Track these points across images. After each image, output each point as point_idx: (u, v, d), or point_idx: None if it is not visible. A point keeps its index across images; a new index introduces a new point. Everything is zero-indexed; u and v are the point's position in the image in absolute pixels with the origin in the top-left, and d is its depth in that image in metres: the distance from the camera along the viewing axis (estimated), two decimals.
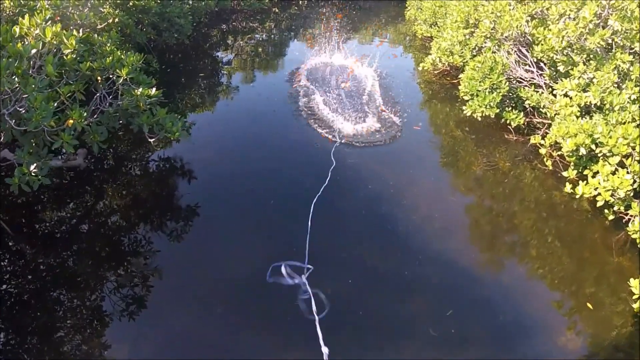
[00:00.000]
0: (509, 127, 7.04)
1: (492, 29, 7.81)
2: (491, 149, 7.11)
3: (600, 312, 4.61)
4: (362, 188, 6.08)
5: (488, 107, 6.83)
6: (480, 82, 6.97)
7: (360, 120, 7.84)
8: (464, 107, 7.18)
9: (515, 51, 7.87)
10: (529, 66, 7.52)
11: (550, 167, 6.10)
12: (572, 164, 5.94)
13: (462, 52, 8.59)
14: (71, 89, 4.51)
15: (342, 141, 7.13)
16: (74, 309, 4.34)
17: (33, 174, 4.11)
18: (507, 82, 6.96)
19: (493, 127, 7.36)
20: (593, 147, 5.59)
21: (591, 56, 6.52)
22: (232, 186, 6.12)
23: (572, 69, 6.55)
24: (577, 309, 4.67)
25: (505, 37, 7.72)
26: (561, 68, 6.82)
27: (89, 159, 6.19)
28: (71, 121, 4.25)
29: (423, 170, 6.69)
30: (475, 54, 8.53)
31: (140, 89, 4.81)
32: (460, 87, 7.43)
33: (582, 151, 5.57)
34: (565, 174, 5.75)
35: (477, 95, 7.01)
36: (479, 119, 6.99)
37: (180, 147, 6.70)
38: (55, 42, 4.38)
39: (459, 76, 8.64)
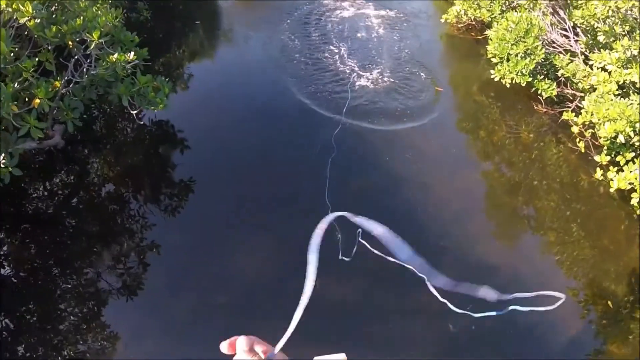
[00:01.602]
0: (539, 97, 6.54)
1: None
2: (517, 119, 6.63)
3: (618, 311, 4.45)
4: (376, 156, 5.68)
5: (519, 74, 6.28)
6: (513, 45, 6.37)
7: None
8: (491, 71, 6.61)
9: (550, 12, 7.21)
10: (566, 31, 6.91)
11: (583, 150, 5.70)
12: (605, 147, 5.55)
13: (490, 6, 7.87)
14: (34, 63, 3.85)
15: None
16: (69, 291, 4.04)
17: (2, 165, 3.60)
18: (542, 48, 6.37)
19: (521, 95, 6.81)
20: (631, 134, 5.20)
21: (636, 28, 5.96)
22: (235, 151, 5.68)
23: (614, 42, 5.99)
24: (592, 301, 4.51)
25: None
26: (601, 38, 6.24)
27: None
28: (37, 101, 3.66)
29: (446, 149, 6.24)
30: (504, 9, 7.82)
31: (116, 55, 4.07)
32: (488, 47, 6.81)
33: (621, 139, 5.16)
34: (597, 158, 5.39)
35: (508, 60, 6.43)
36: (507, 85, 6.46)
37: (179, 101, 6.15)
38: (10, 10, 3.67)
39: (485, 32, 7.99)
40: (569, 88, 6.62)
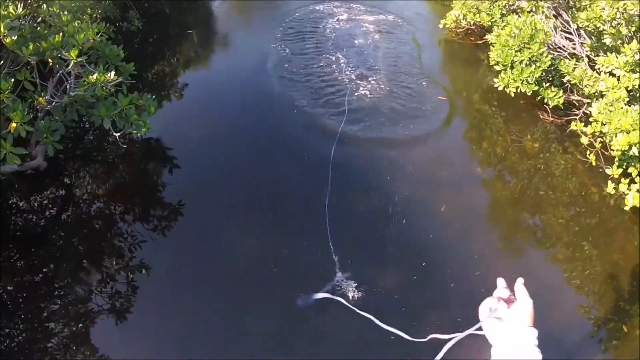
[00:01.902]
0: (545, 105, 6.27)
1: None
2: (522, 129, 6.35)
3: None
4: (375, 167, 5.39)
5: (525, 82, 6.02)
6: (517, 51, 6.10)
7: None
8: (495, 80, 6.34)
9: (553, 14, 6.95)
10: (570, 34, 6.66)
11: (594, 163, 5.42)
12: (616, 158, 5.28)
13: (490, 10, 7.61)
14: (10, 85, 3.55)
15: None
16: (56, 312, 3.82)
17: None
18: (549, 54, 6.10)
19: (525, 103, 6.56)
20: None
21: None
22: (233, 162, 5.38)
23: (622, 45, 5.73)
24: (604, 321, 4.26)
25: None
26: (608, 41, 5.99)
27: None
28: (13, 125, 3.39)
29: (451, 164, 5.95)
30: (504, 12, 7.57)
31: (96, 75, 3.75)
32: (490, 54, 6.54)
33: (634, 151, 4.90)
34: (608, 171, 5.11)
35: (512, 67, 6.17)
36: (512, 94, 6.20)
37: (169, 114, 5.85)
38: None
39: (485, 37, 7.74)
40: (575, 94, 6.36)
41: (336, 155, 5.42)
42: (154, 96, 4.48)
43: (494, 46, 6.45)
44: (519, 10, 7.41)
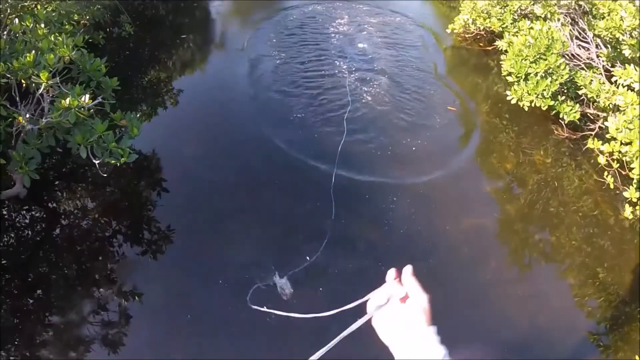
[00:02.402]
0: (560, 120, 5.92)
1: None
2: (534, 145, 6.00)
3: None
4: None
5: (540, 96, 5.66)
6: (532, 62, 5.74)
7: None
8: (507, 92, 5.98)
9: (569, 22, 6.58)
10: (586, 42, 6.29)
11: (612, 186, 5.08)
12: (635, 180, 4.96)
13: (501, 15, 7.23)
14: None
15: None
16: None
17: None
18: (566, 67, 5.73)
19: (537, 115, 6.20)
20: None
21: None
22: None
23: None
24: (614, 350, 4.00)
25: (561, 3, 6.40)
26: (627, 52, 5.65)
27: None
28: None
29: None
30: (516, 17, 7.19)
31: (68, 100, 3.29)
32: (502, 64, 6.18)
33: None
34: (626, 194, 4.80)
35: (526, 79, 5.81)
36: (525, 108, 5.84)
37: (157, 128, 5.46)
38: None
39: (495, 43, 7.37)
40: (590, 107, 6.00)
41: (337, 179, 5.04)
42: (138, 114, 4.08)
43: (505, 54, 6.08)
44: (530, 15, 7.04)
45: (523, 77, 5.81)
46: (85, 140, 3.42)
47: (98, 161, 3.54)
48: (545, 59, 5.66)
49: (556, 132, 6.04)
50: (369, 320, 1.05)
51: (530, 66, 5.71)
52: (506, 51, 6.52)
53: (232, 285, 4.03)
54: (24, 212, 4.50)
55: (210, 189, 5.01)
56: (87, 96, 3.33)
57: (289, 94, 6.42)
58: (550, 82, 5.60)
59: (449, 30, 7.80)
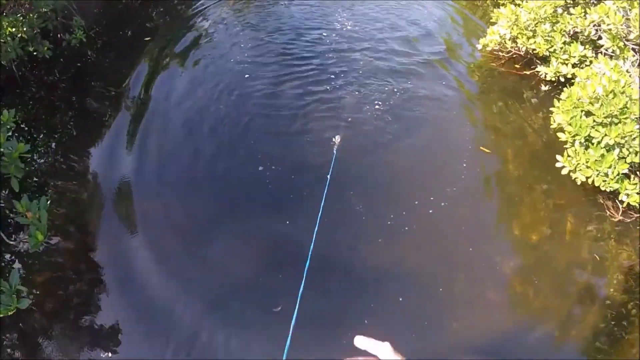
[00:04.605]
0: (617, 200, 4.56)
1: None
2: (574, 218, 4.69)
3: None
4: None
5: (602, 174, 4.26)
6: (599, 124, 4.30)
7: None
8: (558, 159, 4.52)
9: (637, 61, 5.13)
10: None
11: None
12: None
13: (550, 35, 5.67)
14: None
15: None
16: None
17: None
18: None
19: (586, 188, 4.85)
20: None
21: None
22: None
23: None
24: None
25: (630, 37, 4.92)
26: None
27: None
28: None
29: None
30: (568, 40, 5.66)
31: None
32: (555, 116, 4.71)
33: None
34: None
35: (587, 146, 4.38)
36: (577, 182, 4.46)
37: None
38: None
39: (536, 69, 5.88)
40: None
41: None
42: (48, 199, 2.69)
43: (561, 107, 4.60)
44: (581, 36, 5.53)
45: (583, 140, 4.37)
46: None
47: None
48: (617, 123, 4.23)
49: (608, 212, 4.69)
50: None
51: (596, 129, 4.27)
52: (552, 82, 5.17)
53: None
54: None
55: None
56: None
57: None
58: (618, 157, 4.20)
59: (479, 46, 6.19)
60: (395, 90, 5.94)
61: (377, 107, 5.65)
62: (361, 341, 1.12)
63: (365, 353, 1.11)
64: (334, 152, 4.82)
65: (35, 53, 5.36)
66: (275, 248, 4.31)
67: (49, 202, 2.96)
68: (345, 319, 3.75)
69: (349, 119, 5.48)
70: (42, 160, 5.06)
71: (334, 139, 5.01)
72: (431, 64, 6.38)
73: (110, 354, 3.52)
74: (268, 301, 3.82)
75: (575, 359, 3.88)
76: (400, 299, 3.97)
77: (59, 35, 5.83)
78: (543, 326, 3.99)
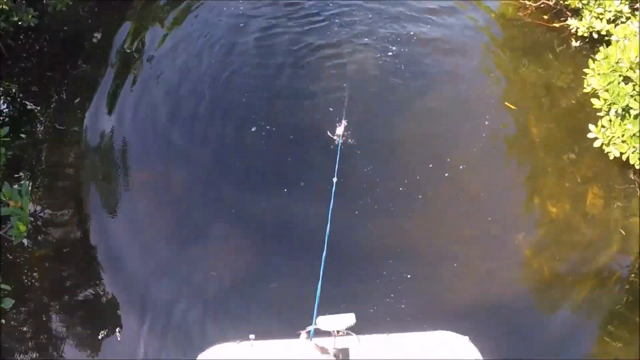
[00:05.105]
0: None
1: None
2: (599, 192, 4.41)
3: None
4: None
5: (638, 151, 3.90)
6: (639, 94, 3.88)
7: None
8: (591, 129, 4.14)
9: None
10: None
11: None
12: None
13: None
14: None
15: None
16: None
17: None
18: None
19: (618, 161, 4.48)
20: None
21: None
22: None
23: None
24: None
25: None
26: None
27: None
28: None
29: None
30: None
31: None
32: (588, 78, 4.28)
33: None
34: None
35: (623, 116, 3.99)
36: (610, 156, 4.11)
37: None
38: None
39: (563, 20, 5.35)
40: None
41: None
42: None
43: (596, 70, 4.15)
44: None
45: (620, 110, 3.97)
46: None
47: None
48: None
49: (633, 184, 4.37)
50: None
51: (636, 99, 3.86)
52: (583, 37, 4.84)
53: None
54: None
55: None
56: None
57: None
58: None
59: None
60: (412, 33, 5.55)
61: (390, 54, 5.28)
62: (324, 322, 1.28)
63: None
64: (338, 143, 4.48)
65: (20, 23, 4.96)
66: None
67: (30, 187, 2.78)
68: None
69: (359, 68, 5.18)
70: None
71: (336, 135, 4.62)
72: (452, 9, 5.89)
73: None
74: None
75: (591, 343, 3.78)
76: (409, 276, 3.83)
77: (44, 1, 5.37)
78: (561, 309, 3.84)
